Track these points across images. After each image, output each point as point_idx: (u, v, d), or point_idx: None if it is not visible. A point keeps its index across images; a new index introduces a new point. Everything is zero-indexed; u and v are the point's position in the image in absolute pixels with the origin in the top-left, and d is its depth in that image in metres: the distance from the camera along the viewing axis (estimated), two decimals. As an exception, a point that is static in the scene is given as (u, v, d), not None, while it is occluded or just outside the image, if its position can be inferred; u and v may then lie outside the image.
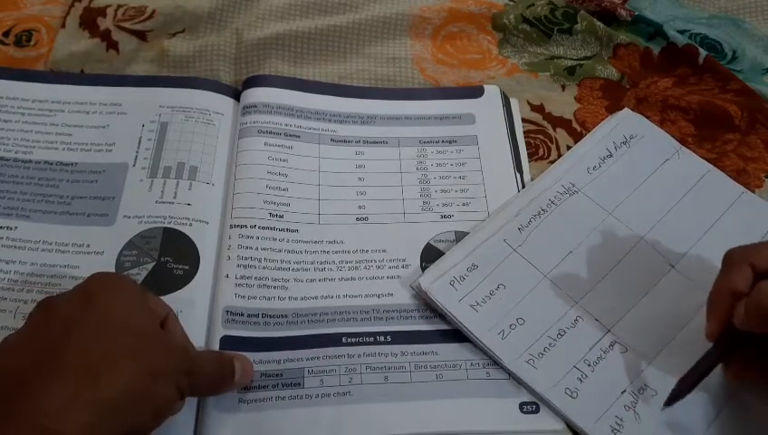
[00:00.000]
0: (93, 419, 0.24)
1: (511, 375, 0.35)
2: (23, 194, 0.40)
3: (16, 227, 0.39)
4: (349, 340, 0.36)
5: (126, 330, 0.27)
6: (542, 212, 0.40)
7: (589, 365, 0.35)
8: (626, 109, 0.46)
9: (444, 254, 0.39)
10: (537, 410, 0.34)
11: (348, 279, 0.38)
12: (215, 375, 0.31)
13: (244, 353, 0.34)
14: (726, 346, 0.32)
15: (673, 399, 0.33)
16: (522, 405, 0.34)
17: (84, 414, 0.24)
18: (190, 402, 0.33)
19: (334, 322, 0.37)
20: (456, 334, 0.36)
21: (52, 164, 0.41)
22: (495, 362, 0.35)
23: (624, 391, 0.34)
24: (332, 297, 0.37)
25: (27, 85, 0.45)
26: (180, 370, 0.28)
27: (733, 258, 0.32)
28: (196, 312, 0.36)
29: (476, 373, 0.35)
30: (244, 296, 0.37)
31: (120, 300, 0.28)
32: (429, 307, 0.37)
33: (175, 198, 0.40)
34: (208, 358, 0.32)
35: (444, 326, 0.37)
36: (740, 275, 0.31)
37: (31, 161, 0.41)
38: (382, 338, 0.36)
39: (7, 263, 0.37)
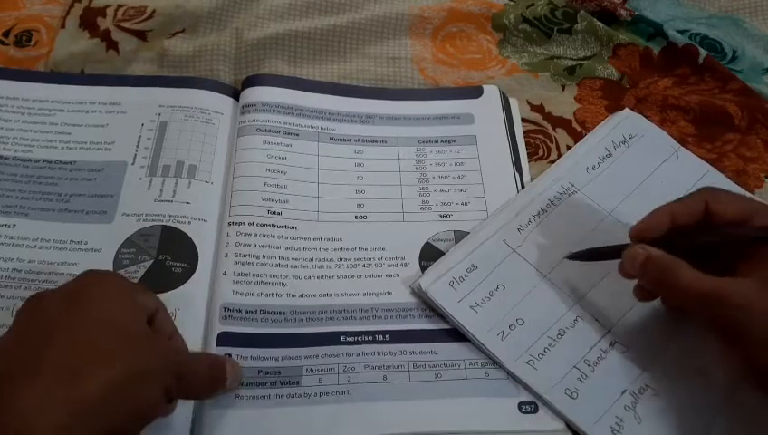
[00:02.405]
0: (69, 419, 0.23)
1: (510, 376, 0.35)
2: (21, 192, 0.40)
3: (15, 225, 0.39)
4: (347, 339, 0.36)
5: (110, 329, 0.26)
6: (541, 212, 0.40)
7: (589, 365, 0.35)
8: (626, 109, 0.46)
9: (443, 253, 0.39)
10: (536, 410, 0.34)
11: (346, 277, 0.38)
12: (205, 378, 0.31)
13: (241, 350, 0.34)
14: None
15: (573, 256, 0.36)
16: (520, 405, 0.34)
17: (59, 414, 0.23)
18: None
19: (333, 320, 0.37)
20: (455, 334, 0.36)
21: (51, 162, 0.42)
22: (495, 363, 0.35)
23: (624, 391, 0.34)
24: (331, 295, 0.37)
25: (27, 85, 0.45)
26: (168, 371, 0.27)
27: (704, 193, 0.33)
28: (194, 309, 0.36)
29: (475, 373, 0.35)
30: (241, 293, 0.37)
31: (105, 298, 0.27)
32: (428, 306, 0.37)
33: (174, 196, 0.40)
34: (199, 360, 0.32)
35: (443, 326, 0.37)
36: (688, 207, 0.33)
37: (30, 160, 0.42)
38: (381, 337, 0.36)
39: (5, 260, 0.37)
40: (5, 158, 0.41)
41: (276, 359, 0.35)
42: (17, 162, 0.41)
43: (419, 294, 0.37)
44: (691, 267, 0.31)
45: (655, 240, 0.33)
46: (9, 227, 0.39)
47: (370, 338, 0.36)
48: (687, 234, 0.33)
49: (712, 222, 0.33)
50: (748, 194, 0.42)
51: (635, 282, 0.35)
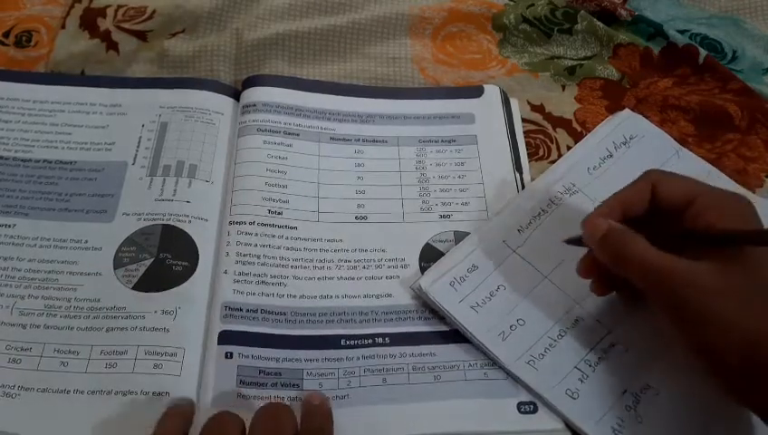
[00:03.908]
0: None
1: (511, 376, 0.35)
2: (21, 192, 0.40)
3: (15, 225, 0.39)
4: (348, 342, 0.36)
5: None
6: (542, 213, 0.40)
7: (590, 365, 0.35)
8: (626, 109, 0.46)
9: (443, 254, 0.39)
10: (535, 410, 0.34)
11: (347, 278, 0.38)
12: None
13: (242, 348, 0.34)
14: None
15: (570, 241, 0.35)
16: (519, 405, 0.34)
17: None
18: (189, 396, 0.33)
19: (333, 323, 0.36)
20: (454, 335, 0.36)
21: (51, 162, 0.42)
22: (496, 364, 0.35)
23: (625, 391, 0.34)
24: (331, 297, 0.37)
25: (28, 87, 0.45)
26: None
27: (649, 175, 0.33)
28: (195, 307, 0.36)
29: (474, 374, 0.35)
30: (242, 292, 0.37)
31: None
32: (427, 308, 0.37)
33: (174, 195, 0.40)
34: None
35: (442, 327, 0.37)
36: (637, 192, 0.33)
37: (30, 160, 0.42)
38: (381, 340, 0.36)
39: (5, 259, 0.37)
40: (5, 158, 0.41)
41: (277, 360, 0.35)
42: (17, 162, 0.41)
43: (419, 294, 0.37)
44: (648, 243, 0.31)
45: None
46: (9, 226, 0.39)
47: (370, 341, 0.36)
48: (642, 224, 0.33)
49: (659, 206, 0.32)
50: (747, 192, 0.42)
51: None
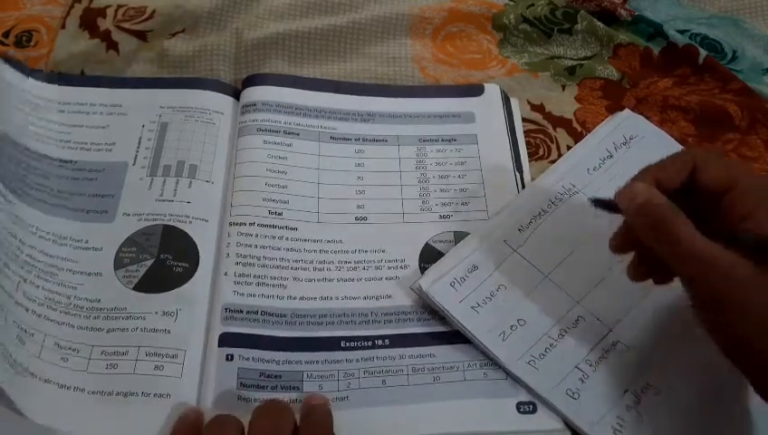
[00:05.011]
0: None
1: (511, 377, 0.35)
2: (23, 175, 0.39)
3: (14, 203, 0.38)
4: (348, 344, 0.36)
5: None
6: (542, 212, 0.40)
7: (590, 365, 0.35)
8: (626, 109, 0.46)
9: (443, 254, 0.39)
10: (534, 411, 0.34)
11: (347, 280, 0.38)
12: None
13: (242, 350, 0.34)
14: None
15: (595, 201, 0.33)
16: (519, 405, 0.34)
17: None
18: (190, 398, 0.33)
19: (333, 325, 0.36)
20: (454, 336, 0.36)
21: (52, 160, 0.41)
22: (496, 364, 0.35)
23: (626, 390, 0.34)
24: (331, 299, 0.37)
25: (32, 82, 0.45)
26: None
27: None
28: (195, 309, 0.36)
29: (474, 374, 0.35)
30: (242, 294, 0.37)
31: None
32: (427, 309, 0.37)
33: (174, 196, 0.40)
34: None
35: (441, 328, 0.37)
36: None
37: (29, 149, 0.41)
38: (380, 342, 0.36)
39: (11, 235, 0.37)
40: (6, 140, 0.41)
41: (278, 362, 0.35)
42: (18, 148, 0.41)
43: (420, 294, 0.37)
44: (692, 225, 0.29)
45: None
46: (11, 203, 0.38)
47: (370, 343, 0.36)
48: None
49: (697, 185, 0.31)
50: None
51: (636, 285, 0.35)
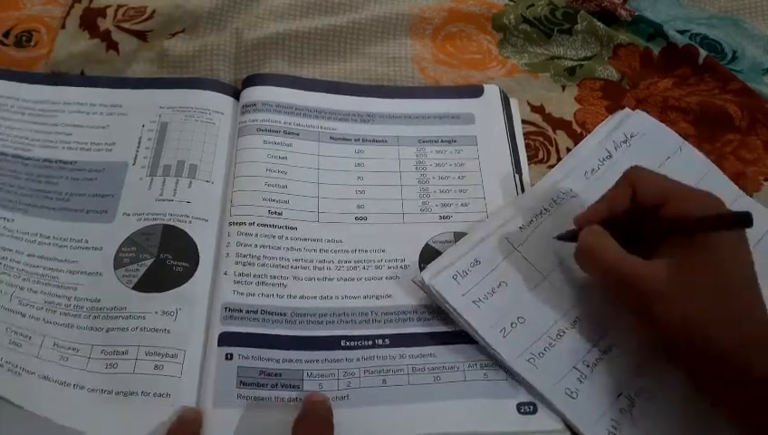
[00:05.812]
0: None
1: (512, 374, 0.35)
2: (21, 189, 0.40)
3: (14, 220, 0.39)
4: (348, 343, 0.36)
5: None
6: (543, 212, 0.40)
7: (588, 366, 0.35)
8: (626, 108, 0.46)
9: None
10: (535, 411, 0.34)
11: (347, 279, 0.38)
12: None
13: (242, 349, 0.34)
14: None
15: (560, 237, 0.37)
16: (519, 406, 0.34)
17: None
18: (189, 398, 0.34)
19: (333, 324, 0.37)
20: (454, 336, 0.36)
21: (51, 162, 0.42)
22: (496, 360, 0.35)
23: (621, 394, 0.34)
24: (331, 298, 0.37)
25: (28, 87, 0.45)
26: None
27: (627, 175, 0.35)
28: (195, 308, 0.36)
29: (474, 374, 0.35)
30: (242, 293, 0.37)
31: None
32: (427, 309, 0.37)
33: (174, 195, 0.40)
34: None
35: (442, 328, 0.37)
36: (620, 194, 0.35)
37: (30, 158, 0.42)
38: (381, 341, 0.36)
39: (4, 250, 0.37)
40: (5, 154, 0.41)
41: (277, 361, 0.35)
42: (17, 160, 0.41)
43: (422, 287, 0.37)
44: (618, 246, 0.33)
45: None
46: (9, 220, 0.39)
47: (370, 343, 0.36)
48: (622, 223, 0.35)
49: (638, 204, 0.34)
50: (746, 198, 0.42)
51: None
